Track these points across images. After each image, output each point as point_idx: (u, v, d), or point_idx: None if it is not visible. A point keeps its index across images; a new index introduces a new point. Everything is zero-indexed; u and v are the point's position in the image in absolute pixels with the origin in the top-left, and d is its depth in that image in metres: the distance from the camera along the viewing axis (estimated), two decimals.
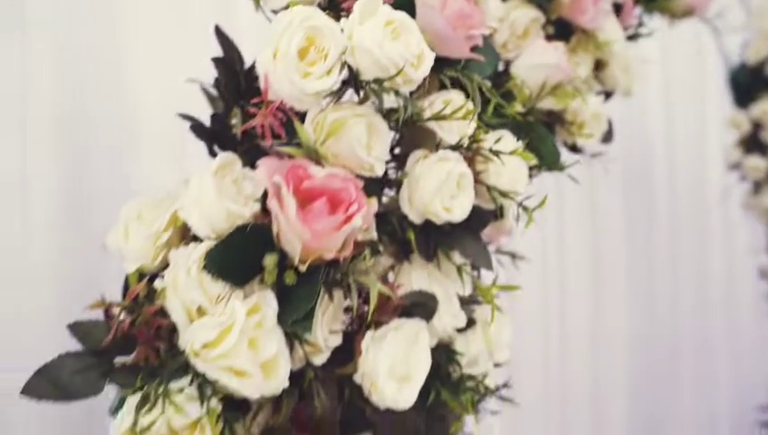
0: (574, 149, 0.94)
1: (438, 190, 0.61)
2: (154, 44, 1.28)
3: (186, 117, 0.71)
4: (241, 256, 0.53)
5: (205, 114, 0.73)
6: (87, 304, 0.58)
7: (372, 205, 0.56)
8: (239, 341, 0.51)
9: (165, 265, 0.58)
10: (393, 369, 0.58)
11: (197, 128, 0.68)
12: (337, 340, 0.60)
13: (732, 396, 2.97)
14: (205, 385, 0.50)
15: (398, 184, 0.66)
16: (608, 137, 0.94)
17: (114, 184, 1.19)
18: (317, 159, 0.57)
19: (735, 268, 2.86)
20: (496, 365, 0.77)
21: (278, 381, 0.53)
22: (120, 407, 0.53)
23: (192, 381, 0.50)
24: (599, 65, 0.91)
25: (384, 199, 0.67)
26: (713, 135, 2.71)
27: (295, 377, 0.59)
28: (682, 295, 2.89)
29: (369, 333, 0.59)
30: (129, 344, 0.57)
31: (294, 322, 0.52)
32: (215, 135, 0.70)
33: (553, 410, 2.38)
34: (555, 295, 2.35)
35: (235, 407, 0.54)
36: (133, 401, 0.49)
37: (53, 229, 1.18)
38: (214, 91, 0.75)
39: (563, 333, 2.39)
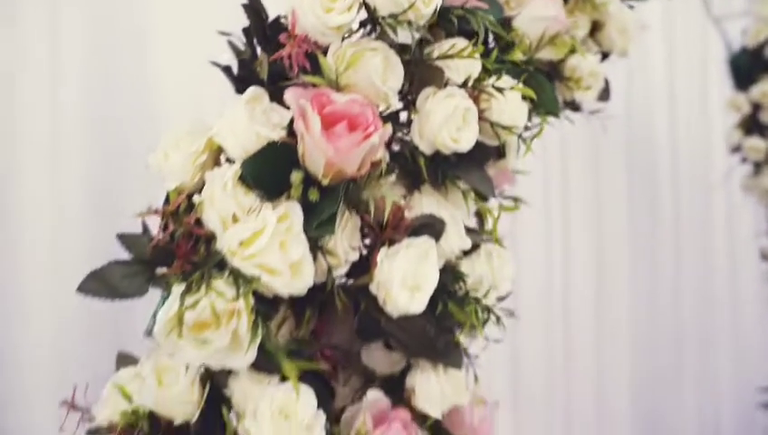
0: (573, 106, 1.00)
1: (446, 122, 0.68)
2: (178, 44, 1.36)
3: (215, 64, 0.78)
4: (271, 169, 0.60)
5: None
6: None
7: (387, 128, 0.63)
8: (270, 241, 0.57)
9: (201, 185, 0.65)
10: (405, 279, 0.65)
11: (227, 70, 0.75)
12: (355, 255, 0.67)
13: (734, 387, 3.01)
14: (240, 279, 0.57)
15: (409, 123, 0.73)
16: (605, 95, 1.01)
17: (144, 185, 1.26)
18: (337, 88, 0.64)
19: (738, 255, 2.90)
20: (500, 299, 0.83)
21: (304, 281, 0.60)
22: (163, 304, 0.59)
23: (229, 276, 0.57)
24: (596, 26, 0.97)
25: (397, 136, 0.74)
26: (716, 121, 2.76)
27: (317, 290, 0.66)
28: (685, 285, 2.94)
29: (383, 249, 0.66)
30: (168, 257, 0.64)
31: (319, 225, 0.59)
32: (243, 80, 0.77)
33: (558, 406, 2.41)
34: (558, 289, 2.39)
35: (265, 306, 0.61)
36: (178, 289, 0.56)
37: (84, 229, 1.25)
38: (240, 46, 0.82)
39: (566, 327, 2.44)
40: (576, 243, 2.46)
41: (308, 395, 0.61)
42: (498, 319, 0.77)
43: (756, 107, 2.05)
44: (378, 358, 0.73)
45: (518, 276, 2.35)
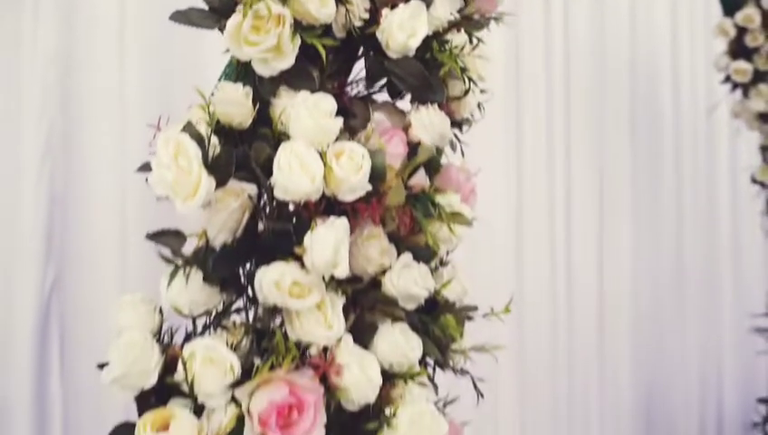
0: None
1: None
2: None
3: None
4: None
5: None
6: None
7: None
8: None
9: None
10: (402, 26, 0.88)
11: None
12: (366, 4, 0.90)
13: (735, 324, 3.14)
14: None
15: None
16: None
17: None
18: None
19: (740, 191, 3.01)
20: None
21: (329, 10, 0.83)
22: None
23: None
24: None
25: None
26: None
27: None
28: (687, 223, 3.08)
29: (386, 8, 0.90)
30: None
31: None
32: None
33: (559, 346, 2.57)
34: (561, 231, 2.57)
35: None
36: None
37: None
38: None
39: (569, 265, 2.60)
40: (579, 184, 2.63)
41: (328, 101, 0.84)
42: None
43: (742, 31, 2.24)
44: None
45: (521, 211, 2.51)
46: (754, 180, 2.51)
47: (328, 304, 0.78)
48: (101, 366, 0.78)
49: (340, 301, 0.80)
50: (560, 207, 2.60)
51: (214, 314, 0.83)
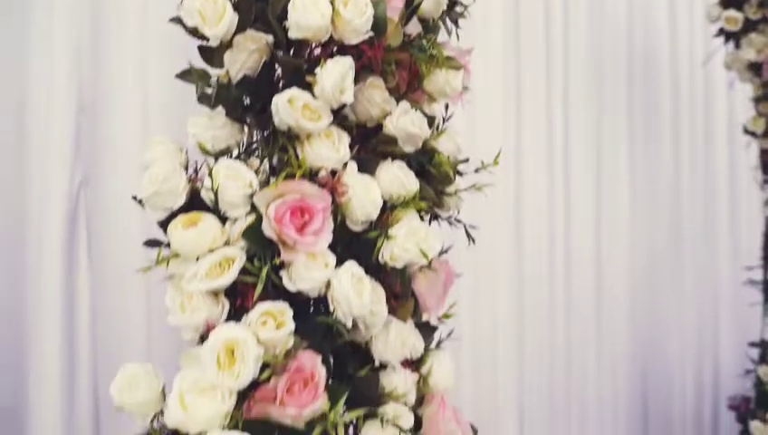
0: None
1: None
2: None
3: None
4: None
5: None
6: None
7: None
8: None
9: None
10: None
11: None
12: None
13: (732, 279, 3.19)
14: None
15: None
16: None
17: None
18: None
19: (737, 143, 3.07)
20: None
21: None
22: None
23: None
24: None
25: None
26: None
27: None
28: (684, 172, 3.14)
29: None
30: None
31: None
32: None
33: (558, 297, 2.64)
34: (560, 185, 2.63)
35: None
36: None
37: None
38: None
39: (568, 224, 2.67)
40: (577, 140, 2.69)
41: None
42: None
43: None
44: None
45: (521, 155, 2.56)
46: (746, 130, 2.59)
47: (335, 133, 0.89)
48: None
49: (345, 136, 0.90)
50: (558, 162, 2.67)
51: (235, 153, 0.94)
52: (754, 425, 2.48)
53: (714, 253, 3.32)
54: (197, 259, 0.82)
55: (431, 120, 1.00)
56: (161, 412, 0.81)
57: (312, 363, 0.80)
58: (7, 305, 1.42)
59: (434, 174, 0.95)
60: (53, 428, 1.47)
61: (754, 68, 2.46)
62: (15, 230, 1.44)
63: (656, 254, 3.07)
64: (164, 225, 0.90)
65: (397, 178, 0.92)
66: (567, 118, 2.65)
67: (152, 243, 0.86)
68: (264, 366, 0.79)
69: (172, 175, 0.87)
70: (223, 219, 0.86)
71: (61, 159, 1.46)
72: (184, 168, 0.92)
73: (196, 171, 0.93)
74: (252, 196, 0.85)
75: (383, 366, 0.94)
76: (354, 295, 0.83)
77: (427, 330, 1.02)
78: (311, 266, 0.82)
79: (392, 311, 0.95)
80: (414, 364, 0.98)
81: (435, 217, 1.04)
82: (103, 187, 1.49)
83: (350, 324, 0.85)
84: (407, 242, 0.87)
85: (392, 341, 0.93)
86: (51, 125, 1.47)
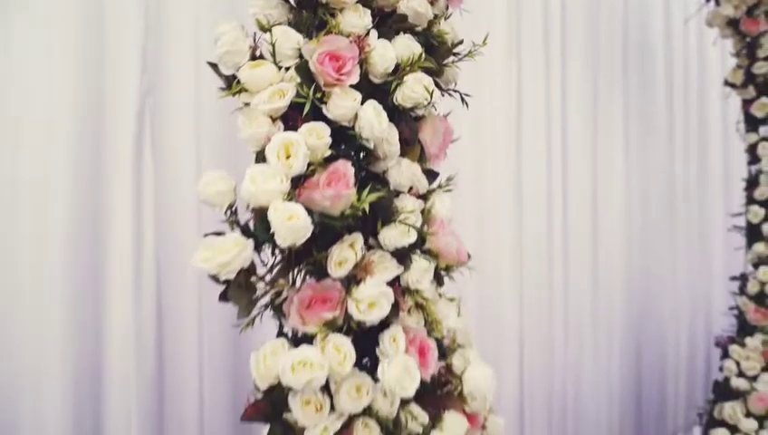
0: None
1: None
2: None
3: None
4: None
5: None
6: None
7: None
8: None
9: None
10: None
11: None
12: None
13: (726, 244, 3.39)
14: None
15: None
16: None
17: None
18: None
19: (731, 118, 3.29)
20: None
21: None
22: None
23: None
24: None
25: None
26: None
27: None
28: (678, 146, 3.35)
29: None
30: None
31: None
32: None
33: (556, 262, 2.83)
34: (557, 150, 2.82)
35: None
36: None
37: None
38: None
39: (565, 184, 2.85)
40: (574, 100, 2.88)
41: None
42: None
43: None
44: None
45: (522, 111, 2.77)
46: (726, 82, 2.85)
47: (361, 9, 1.19)
48: None
49: (368, 11, 1.20)
50: (557, 117, 2.85)
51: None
52: (733, 348, 2.73)
53: (706, 207, 3.55)
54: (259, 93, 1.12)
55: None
56: (233, 203, 1.11)
57: (345, 167, 1.09)
58: (87, 186, 1.73)
59: (436, 46, 1.24)
60: (125, 302, 1.76)
61: (733, 24, 2.72)
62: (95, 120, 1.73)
63: (649, 209, 3.27)
64: (229, 82, 1.19)
65: (407, 46, 1.21)
66: (565, 71, 2.88)
67: (229, 79, 1.16)
68: (310, 166, 1.08)
69: (238, 39, 1.17)
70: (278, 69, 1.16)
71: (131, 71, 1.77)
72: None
73: (255, 42, 1.23)
74: (299, 50, 1.15)
75: (397, 194, 1.23)
76: (376, 121, 1.12)
77: (430, 174, 1.31)
78: (343, 98, 1.12)
79: (403, 154, 1.25)
80: (420, 199, 1.27)
81: (438, 87, 1.33)
82: (165, 96, 1.80)
83: (371, 146, 1.14)
84: (415, 85, 1.16)
85: (404, 171, 1.22)
86: (123, 42, 1.77)
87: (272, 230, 1.04)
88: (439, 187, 1.32)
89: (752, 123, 2.76)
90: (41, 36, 1.66)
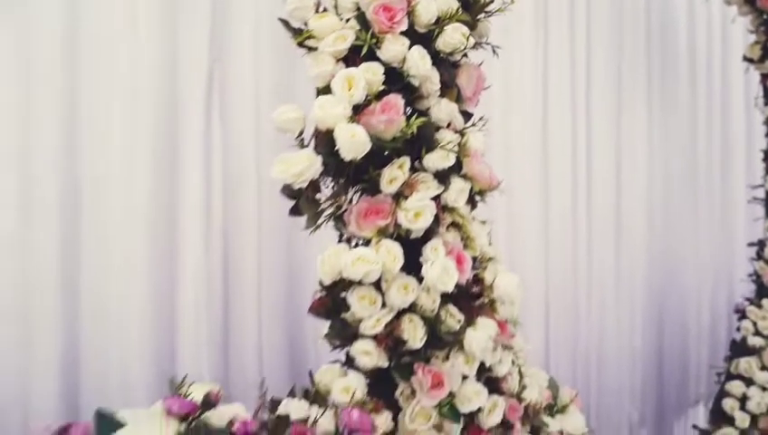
0: None
1: None
2: None
3: None
4: None
5: None
6: None
7: None
8: None
9: None
10: None
11: None
12: None
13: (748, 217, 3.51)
14: None
15: None
16: None
17: None
18: None
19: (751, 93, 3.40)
20: None
21: None
22: None
23: None
24: None
25: None
26: None
27: None
28: (701, 124, 3.47)
29: None
30: None
31: None
32: None
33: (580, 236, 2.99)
34: (582, 127, 2.98)
35: None
36: None
37: None
38: None
39: (589, 164, 3.01)
40: (598, 78, 3.02)
41: None
42: None
43: None
44: None
45: (547, 96, 2.95)
46: (745, 58, 3.02)
47: None
48: None
49: None
50: (581, 101, 3.01)
51: None
52: (750, 309, 2.89)
53: (728, 182, 3.67)
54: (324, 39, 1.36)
55: None
56: (303, 129, 1.35)
57: (396, 99, 1.33)
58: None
59: (471, 3, 1.47)
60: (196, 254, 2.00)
61: (750, 1, 2.89)
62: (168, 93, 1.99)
63: (672, 184, 3.41)
64: (301, 42, 1.43)
65: (446, 2, 1.43)
66: (589, 51, 3.04)
67: (296, 30, 1.39)
68: (367, 97, 1.31)
69: None
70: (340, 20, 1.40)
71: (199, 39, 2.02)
72: None
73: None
74: (357, 4, 1.38)
75: (437, 128, 1.46)
76: (421, 62, 1.35)
77: (465, 114, 1.53)
78: (394, 42, 1.35)
79: (442, 95, 1.47)
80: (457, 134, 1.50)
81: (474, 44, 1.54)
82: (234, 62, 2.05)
83: (417, 83, 1.37)
84: (454, 33, 1.39)
85: (443, 108, 1.45)
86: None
87: (336, 147, 1.27)
88: (473, 125, 1.54)
89: None
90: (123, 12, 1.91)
